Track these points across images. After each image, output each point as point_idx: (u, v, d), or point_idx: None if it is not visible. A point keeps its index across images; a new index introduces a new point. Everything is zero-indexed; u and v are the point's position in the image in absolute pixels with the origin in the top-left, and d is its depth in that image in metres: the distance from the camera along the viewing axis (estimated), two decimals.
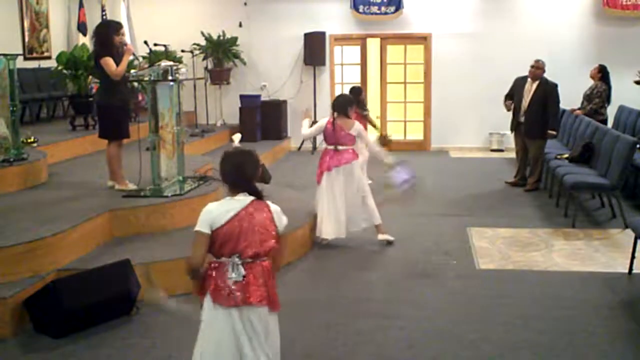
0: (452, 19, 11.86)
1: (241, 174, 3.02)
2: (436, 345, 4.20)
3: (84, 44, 10.45)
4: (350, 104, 6.40)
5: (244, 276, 2.96)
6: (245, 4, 12.22)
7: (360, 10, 11.88)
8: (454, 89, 11.83)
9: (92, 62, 6.65)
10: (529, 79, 8.58)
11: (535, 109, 8.44)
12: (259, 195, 3.03)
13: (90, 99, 9.14)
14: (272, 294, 3.05)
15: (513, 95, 8.77)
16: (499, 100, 9.15)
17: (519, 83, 8.71)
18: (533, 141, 8.54)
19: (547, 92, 8.43)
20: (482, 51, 11.70)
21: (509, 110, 8.86)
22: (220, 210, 2.97)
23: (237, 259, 2.96)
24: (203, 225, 2.94)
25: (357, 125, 6.35)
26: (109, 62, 5.98)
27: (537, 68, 8.50)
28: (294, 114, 12.27)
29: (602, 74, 9.28)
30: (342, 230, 6.25)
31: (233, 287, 2.95)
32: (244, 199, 3.00)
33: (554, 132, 8.49)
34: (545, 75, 8.57)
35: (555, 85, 8.47)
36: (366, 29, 12.14)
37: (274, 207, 3.08)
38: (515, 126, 8.83)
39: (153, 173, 6.11)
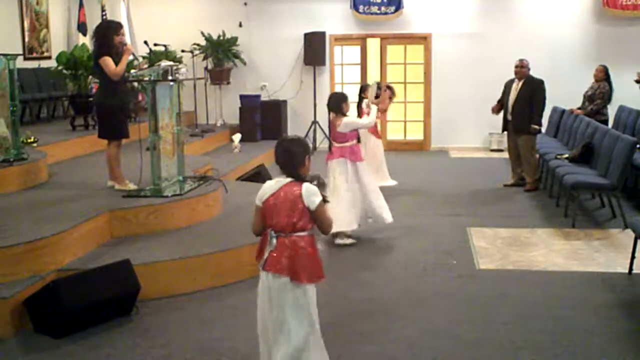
0: (452, 19, 11.87)
1: (281, 158, 3.37)
2: (436, 345, 4.20)
3: (84, 44, 10.46)
4: (344, 99, 6.33)
5: (275, 247, 3.29)
6: (245, 4, 12.23)
7: (360, 10, 11.89)
8: (454, 89, 11.83)
9: (92, 62, 6.65)
10: (515, 79, 8.70)
11: (521, 105, 8.58)
12: (297, 178, 3.30)
13: (90, 99, 9.13)
14: (298, 265, 3.26)
15: (503, 99, 8.89)
16: None
17: (508, 85, 8.88)
18: (521, 137, 8.61)
19: (533, 88, 8.56)
20: (482, 51, 11.71)
21: (494, 112, 9.01)
22: (267, 187, 3.36)
23: (272, 232, 3.31)
24: (257, 198, 3.36)
25: (345, 120, 6.25)
26: (108, 62, 5.97)
27: (522, 67, 8.66)
28: (294, 114, 12.29)
29: (606, 75, 9.29)
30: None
31: (266, 255, 3.32)
32: (282, 180, 3.32)
33: (537, 127, 8.57)
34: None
35: (541, 82, 8.60)
36: (366, 29, 12.14)
37: (306, 186, 3.29)
38: (505, 125, 8.92)
39: (153, 173, 6.10)
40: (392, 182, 8.51)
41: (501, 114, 8.98)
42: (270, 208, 3.29)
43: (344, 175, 6.27)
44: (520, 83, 8.64)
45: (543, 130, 9.22)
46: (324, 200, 3.30)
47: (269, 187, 3.34)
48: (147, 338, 4.34)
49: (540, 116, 8.66)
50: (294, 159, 3.32)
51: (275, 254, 3.28)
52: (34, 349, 4.18)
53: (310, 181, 3.34)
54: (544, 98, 8.63)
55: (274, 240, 3.29)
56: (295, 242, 3.28)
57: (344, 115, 6.25)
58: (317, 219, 3.30)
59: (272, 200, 3.29)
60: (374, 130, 8.35)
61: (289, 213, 3.26)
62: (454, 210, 7.66)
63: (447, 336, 4.32)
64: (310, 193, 3.27)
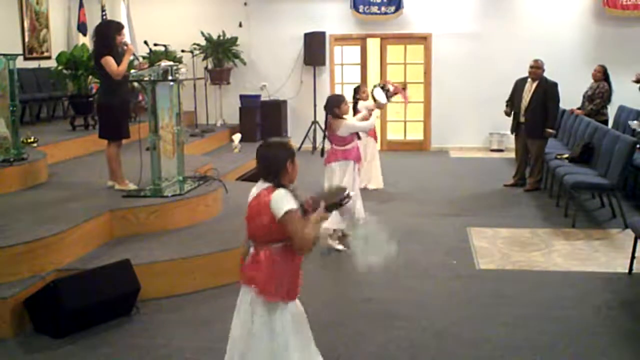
0: (452, 19, 11.86)
1: (260, 163, 3.08)
2: (436, 345, 4.20)
3: (84, 44, 10.45)
4: (337, 103, 6.18)
5: (248, 256, 3.10)
6: (245, 4, 12.22)
7: (360, 10, 11.88)
8: (454, 89, 11.83)
9: (92, 62, 6.65)
10: (529, 79, 8.61)
11: (535, 108, 8.47)
12: (276, 184, 2.98)
13: (90, 99, 9.14)
14: (265, 279, 2.99)
15: (514, 99, 8.80)
16: (499, 100, 9.16)
17: (519, 84, 8.76)
18: (534, 140, 8.55)
19: (547, 91, 8.46)
20: (482, 51, 11.70)
21: (508, 115, 8.92)
22: (251, 193, 3.09)
23: (250, 242, 3.09)
24: None
25: (346, 123, 6.18)
26: (109, 62, 5.98)
27: (537, 68, 8.53)
28: (294, 114, 12.29)
29: (605, 75, 9.28)
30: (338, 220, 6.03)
31: (245, 264, 3.12)
32: (260, 185, 3.03)
33: (552, 131, 8.51)
34: (545, 75, 8.60)
35: (555, 84, 8.50)
36: (366, 29, 12.14)
37: (277, 192, 2.95)
38: (515, 127, 8.85)
39: (153, 173, 6.11)
40: (377, 186, 8.65)
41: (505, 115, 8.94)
42: (248, 214, 3.05)
43: (348, 176, 6.13)
44: (535, 84, 8.51)
45: None
46: (305, 211, 2.96)
47: (251, 193, 3.08)
48: (147, 338, 4.34)
49: (555, 120, 8.58)
50: (272, 164, 3.00)
51: (250, 264, 3.06)
52: (34, 349, 4.18)
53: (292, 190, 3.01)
54: (558, 101, 8.54)
55: (251, 249, 3.07)
56: (267, 254, 3.01)
57: (341, 118, 6.15)
58: (285, 231, 2.93)
59: (248, 209, 3.06)
60: (372, 133, 8.42)
61: (256, 221, 3.00)
62: (454, 210, 7.66)
63: (447, 336, 4.32)
64: (277, 200, 2.93)
